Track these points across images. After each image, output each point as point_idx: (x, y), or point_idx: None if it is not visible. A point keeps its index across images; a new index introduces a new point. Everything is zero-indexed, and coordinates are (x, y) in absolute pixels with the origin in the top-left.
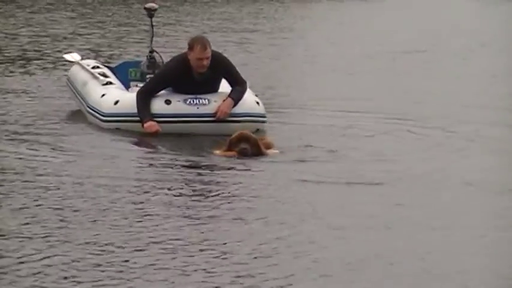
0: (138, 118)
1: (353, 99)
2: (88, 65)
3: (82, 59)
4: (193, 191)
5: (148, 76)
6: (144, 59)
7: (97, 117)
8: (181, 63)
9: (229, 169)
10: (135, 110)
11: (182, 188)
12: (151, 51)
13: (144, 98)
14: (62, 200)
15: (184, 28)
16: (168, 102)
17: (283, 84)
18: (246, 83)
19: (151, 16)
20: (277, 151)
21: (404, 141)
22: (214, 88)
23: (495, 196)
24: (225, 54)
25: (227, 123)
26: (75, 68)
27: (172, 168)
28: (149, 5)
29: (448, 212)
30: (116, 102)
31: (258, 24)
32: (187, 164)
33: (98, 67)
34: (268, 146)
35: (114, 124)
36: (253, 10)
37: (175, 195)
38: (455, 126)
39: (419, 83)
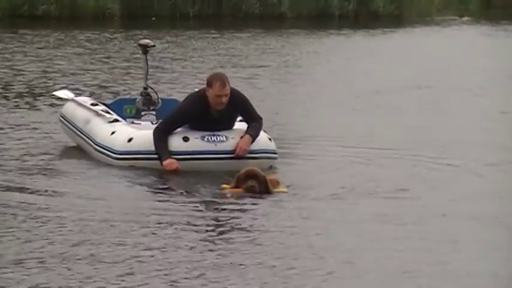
0: (153, 156)
1: (360, 135)
2: (85, 102)
3: (76, 96)
4: (196, 231)
5: (143, 113)
6: (139, 96)
7: (108, 155)
8: (199, 100)
9: (234, 207)
10: (150, 148)
11: (186, 228)
12: (145, 88)
13: (162, 136)
14: (64, 239)
15: (192, 63)
16: (186, 139)
17: (290, 120)
18: (261, 119)
19: (145, 53)
20: (285, 190)
21: (412, 178)
22: (230, 125)
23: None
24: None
25: (246, 160)
26: (70, 106)
27: (176, 206)
28: (144, 41)
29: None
30: (130, 140)
31: (266, 60)
32: (191, 202)
33: (96, 104)
34: (276, 184)
35: (129, 162)
36: (260, 46)
37: (176, 237)
38: (463, 162)
39: (427, 118)
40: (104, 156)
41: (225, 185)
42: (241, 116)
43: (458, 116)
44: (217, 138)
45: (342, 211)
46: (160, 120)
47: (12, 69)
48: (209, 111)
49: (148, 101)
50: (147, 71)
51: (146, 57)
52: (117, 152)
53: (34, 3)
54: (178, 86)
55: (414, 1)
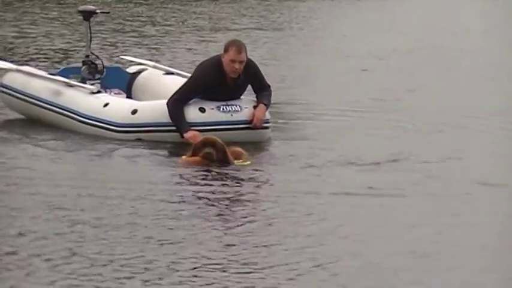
0: (163, 128)
1: (347, 100)
2: (39, 72)
3: (20, 65)
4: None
5: (89, 82)
6: (82, 66)
7: (107, 128)
8: (214, 68)
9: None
10: (159, 119)
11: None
12: (87, 56)
13: (179, 107)
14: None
15: (166, 28)
16: (202, 110)
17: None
18: (270, 86)
19: (87, 19)
20: (248, 162)
21: (399, 144)
22: (241, 94)
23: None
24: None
25: (261, 129)
26: (18, 76)
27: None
28: (84, 7)
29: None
30: (134, 112)
31: (243, 23)
32: (159, 170)
33: (54, 74)
34: (239, 155)
35: (134, 135)
36: (237, 9)
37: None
38: (458, 126)
39: (413, 81)
40: (98, 129)
41: (183, 157)
42: (252, 84)
43: (450, 79)
44: (232, 108)
45: (320, 183)
46: (176, 90)
47: None
48: (225, 80)
49: (93, 69)
50: (90, 38)
51: (89, 23)
52: (119, 125)
53: None
54: (150, 48)
55: None
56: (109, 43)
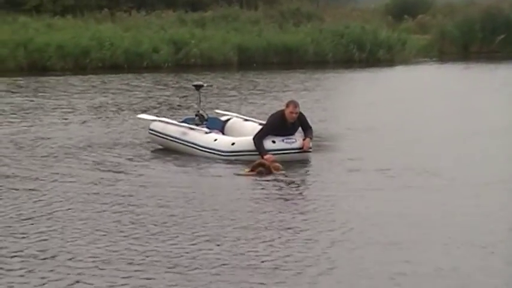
0: (251, 153)
1: (357, 127)
2: (172, 121)
3: (158, 117)
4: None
5: (199, 126)
6: (195, 117)
7: (216, 154)
8: (280, 117)
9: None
10: (248, 148)
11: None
12: (198, 111)
13: (260, 140)
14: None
15: (243, 92)
16: (273, 142)
17: None
18: (312, 127)
19: (198, 89)
20: (283, 172)
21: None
22: (296, 131)
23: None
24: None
25: (307, 152)
26: (158, 124)
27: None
28: (196, 82)
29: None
30: (233, 144)
31: (286, 89)
32: (213, 182)
33: (184, 122)
34: (277, 168)
35: (232, 158)
36: (281, 81)
37: (186, 210)
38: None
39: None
40: (210, 154)
41: (246, 169)
42: (301, 126)
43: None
44: (290, 140)
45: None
46: (258, 130)
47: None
48: (286, 124)
49: (202, 118)
50: (200, 101)
51: (199, 92)
52: (224, 152)
53: (188, 57)
54: (234, 105)
55: (401, 50)
56: (209, 102)
